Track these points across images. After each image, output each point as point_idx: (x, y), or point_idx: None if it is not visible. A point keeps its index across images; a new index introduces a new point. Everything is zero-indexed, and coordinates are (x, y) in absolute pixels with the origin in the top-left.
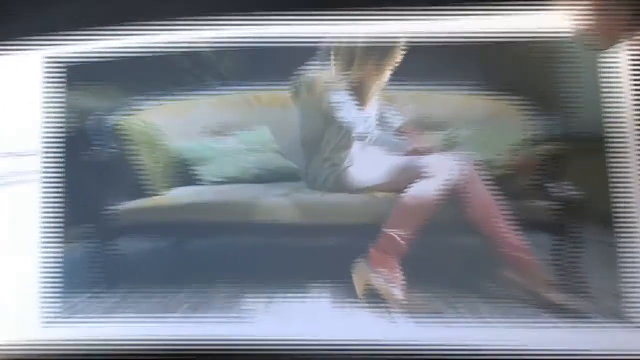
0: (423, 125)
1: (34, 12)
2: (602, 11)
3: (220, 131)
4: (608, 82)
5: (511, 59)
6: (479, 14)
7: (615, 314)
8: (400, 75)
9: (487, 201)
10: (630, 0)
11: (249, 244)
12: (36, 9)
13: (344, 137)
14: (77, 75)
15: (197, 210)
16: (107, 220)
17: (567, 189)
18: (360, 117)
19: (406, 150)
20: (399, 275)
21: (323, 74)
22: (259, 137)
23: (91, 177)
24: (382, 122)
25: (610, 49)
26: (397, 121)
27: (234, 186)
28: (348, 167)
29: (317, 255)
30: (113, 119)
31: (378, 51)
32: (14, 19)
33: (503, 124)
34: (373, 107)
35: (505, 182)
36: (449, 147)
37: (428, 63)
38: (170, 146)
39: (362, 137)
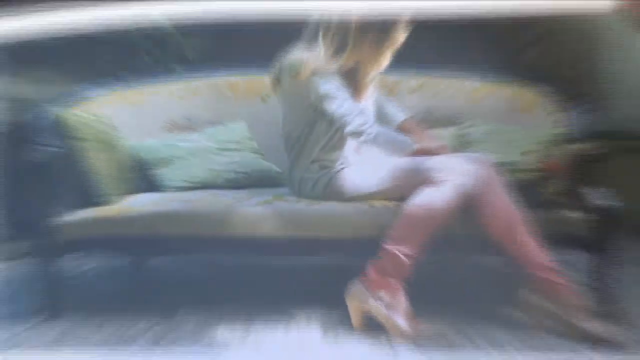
0: (431, 120)
1: None
2: None
3: (186, 126)
4: None
5: (537, 38)
6: None
7: None
8: (403, 59)
9: (508, 211)
10: None
11: (221, 262)
12: None
13: (336, 134)
14: (14, 58)
15: (158, 222)
16: (49, 235)
17: (606, 197)
18: (355, 110)
19: (410, 150)
20: (402, 301)
21: (310, 57)
22: (233, 133)
23: (31, 181)
24: (380, 115)
25: None
26: (399, 115)
27: (203, 192)
28: (340, 170)
29: (304, 276)
30: (56, 111)
31: (376, 29)
32: None
33: (528, 118)
34: (370, 97)
35: (531, 188)
36: (462, 145)
37: (437, 44)
38: (125, 144)
39: (357, 134)
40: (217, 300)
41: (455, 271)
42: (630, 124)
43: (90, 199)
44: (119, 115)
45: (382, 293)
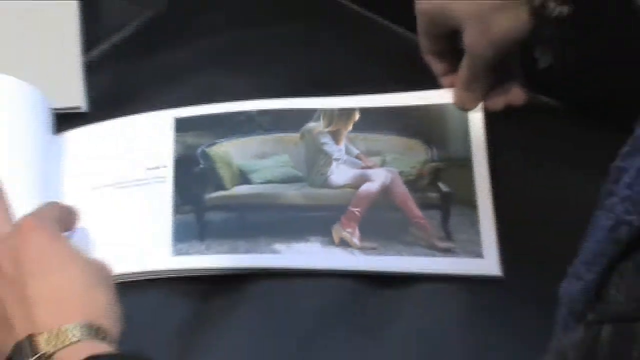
0: (369, 153)
1: (160, 92)
2: (466, 94)
3: (263, 155)
4: (472, 126)
5: (418, 117)
6: (403, 93)
7: (473, 252)
8: (358, 127)
9: (403, 193)
10: (483, 85)
11: (277, 215)
12: (162, 90)
13: (327, 159)
14: (186, 126)
15: (250, 197)
16: (201, 203)
17: (445, 187)
18: (336, 149)
19: (360, 166)
20: (357, 232)
21: (316, 126)
22: (282, 159)
23: (193, 180)
24: (347, 151)
25: (473, 109)
26: (355, 150)
27: (270, 185)
28: (330, 175)
29: (313, 221)
30: (205, 149)
31: (346, 114)
32: (146, 97)
33: (413, 153)
34: (343, 143)
35: (413, 183)
36: (382, 164)
37: (372, 120)
38: (235, 163)
39: (337, 160)
40: (274, 230)
41: (379, 219)
42: (456, 154)
43: (219, 187)
44: (233, 151)
45: (348, 229)
